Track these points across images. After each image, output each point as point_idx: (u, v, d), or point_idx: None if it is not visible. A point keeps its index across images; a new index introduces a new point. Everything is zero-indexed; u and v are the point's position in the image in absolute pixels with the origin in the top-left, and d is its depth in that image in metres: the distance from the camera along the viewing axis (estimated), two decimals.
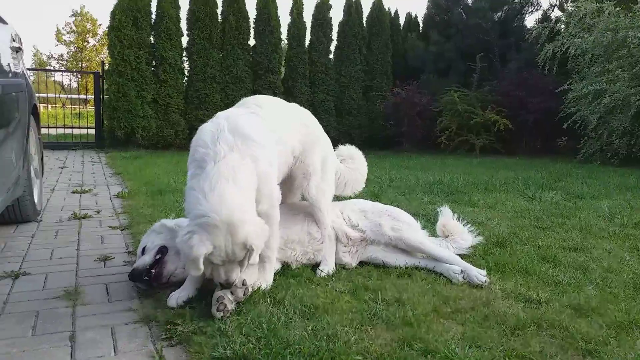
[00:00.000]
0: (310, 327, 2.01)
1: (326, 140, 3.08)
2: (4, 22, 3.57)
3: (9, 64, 3.31)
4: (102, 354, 1.87)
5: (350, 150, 3.40)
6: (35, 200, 4.10)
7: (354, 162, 3.36)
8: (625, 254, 3.23)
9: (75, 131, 12.66)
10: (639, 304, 2.35)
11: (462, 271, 2.70)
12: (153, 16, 11.18)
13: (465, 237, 3.22)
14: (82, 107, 19.44)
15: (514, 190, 5.96)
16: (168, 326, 2.06)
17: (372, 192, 5.39)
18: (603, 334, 2.01)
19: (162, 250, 2.58)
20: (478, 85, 12.31)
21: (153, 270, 2.51)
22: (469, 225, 3.32)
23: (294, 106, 3.03)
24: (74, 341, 1.97)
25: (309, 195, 2.88)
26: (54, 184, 6.17)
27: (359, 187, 3.38)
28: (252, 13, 11.98)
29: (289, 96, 11.69)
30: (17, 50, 3.76)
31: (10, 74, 3.28)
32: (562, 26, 11.15)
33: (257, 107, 2.67)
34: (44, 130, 7.84)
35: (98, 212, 4.47)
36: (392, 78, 13.43)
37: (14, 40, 3.69)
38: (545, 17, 13.18)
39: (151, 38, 11.18)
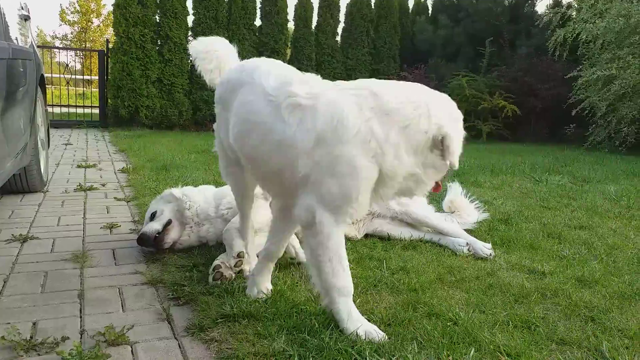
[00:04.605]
0: (316, 290, 2.03)
1: None
2: None
3: (17, 31, 3.30)
4: (110, 311, 1.90)
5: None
6: (42, 171, 4.12)
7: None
8: (630, 233, 3.23)
9: (79, 110, 12.66)
10: None
11: (467, 244, 2.72)
12: None
13: (472, 213, 3.23)
14: (85, 88, 19.41)
15: (520, 173, 5.93)
16: (175, 287, 2.09)
17: None
18: (606, 303, 2.02)
19: (170, 221, 2.64)
20: (487, 71, 12.18)
21: (157, 235, 2.56)
22: (476, 202, 3.32)
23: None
24: (82, 298, 2.00)
25: None
26: (58, 159, 6.20)
27: None
28: None
29: None
30: (26, 18, 3.75)
31: (18, 41, 3.27)
32: (574, 12, 10.98)
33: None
34: (48, 109, 7.85)
35: (103, 185, 4.50)
36: (400, 62, 13.30)
37: (22, 8, 3.67)
38: (556, 3, 12.97)
39: (156, 17, 11.08)
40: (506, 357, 1.58)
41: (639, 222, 3.57)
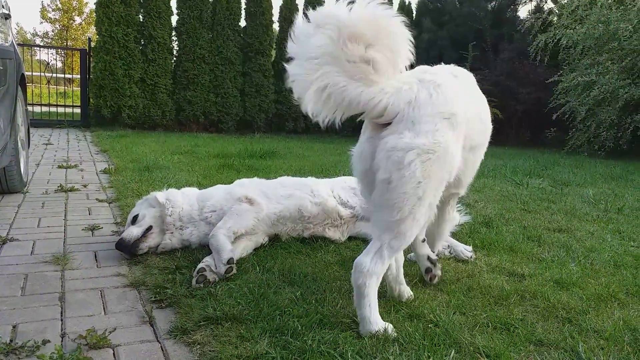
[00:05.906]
0: (299, 293, 2.04)
1: None
2: None
3: None
4: (92, 313, 1.88)
5: None
6: (22, 171, 4.06)
7: None
8: (607, 236, 3.30)
9: (60, 109, 12.45)
10: (618, 279, 2.42)
11: (449, 246, 2.75)
12: None
13: (454, 216, 3.26)
14: (67, 86, 19.12)
15: (501, 176, 6.02)
16: (157, 290, 2.07)
17: None
18: (583, 305, 2.07)
19: (150, 228, 2.62)
20: None
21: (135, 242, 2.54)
22: (457, 205, 3.36)
23: None
24: (63, 301, 1.98)
25: None
26: (39, 159, 6.09)
27: None
28: None
29: (279, 79, 11.61)
30: (7, 17, 3.69)
31: None
32: (555, 18, 11.21)
33: None
34: (28, 108, 7.71)
35: (85, 186, 4.44)
36: None
37: (3, 7, 3.62)
38: (538, 9, 13.23)
39: (140, 16, 10.97)
40: (485, 359, 1.61)
41: (616, 225, 3.66)
